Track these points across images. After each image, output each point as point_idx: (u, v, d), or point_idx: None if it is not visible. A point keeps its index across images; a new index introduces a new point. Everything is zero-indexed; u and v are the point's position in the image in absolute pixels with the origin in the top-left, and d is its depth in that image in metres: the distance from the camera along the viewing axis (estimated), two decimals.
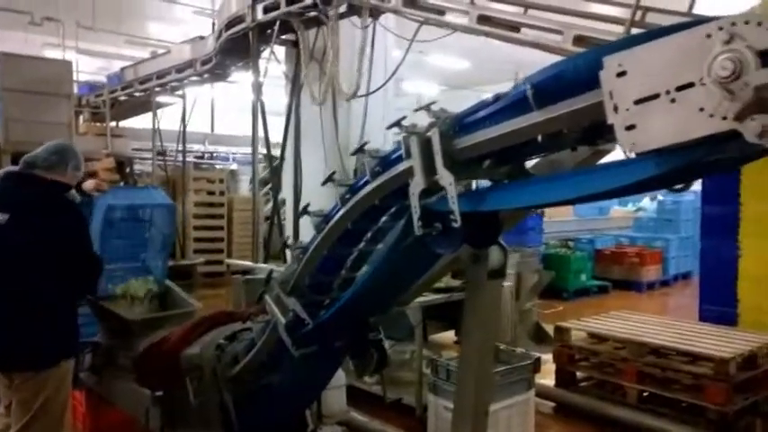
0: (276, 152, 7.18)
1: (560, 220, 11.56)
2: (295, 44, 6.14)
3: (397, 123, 2.10)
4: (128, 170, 10.92)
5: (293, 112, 6.42)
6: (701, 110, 1.28)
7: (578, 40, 3.55)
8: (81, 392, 3.95)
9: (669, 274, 11.57)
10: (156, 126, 10.86)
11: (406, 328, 5.18)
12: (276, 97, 7.94)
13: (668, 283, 11.55)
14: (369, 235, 2.48)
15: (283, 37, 6.49)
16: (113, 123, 11.42)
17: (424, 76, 18.70)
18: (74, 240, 2.99)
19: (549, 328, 5.97)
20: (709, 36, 1.27)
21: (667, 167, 1.38)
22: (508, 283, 6.44)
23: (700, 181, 6.32)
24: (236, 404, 2.98)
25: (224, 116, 17.72)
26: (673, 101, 1.33)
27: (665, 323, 5.23)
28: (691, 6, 3.29)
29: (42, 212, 2.94)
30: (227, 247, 11.89)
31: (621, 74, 1.42)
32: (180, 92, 10.42)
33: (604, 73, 1.45)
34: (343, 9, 5.43)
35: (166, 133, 11.55)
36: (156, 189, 4.67)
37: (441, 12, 4.53)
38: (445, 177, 1.85)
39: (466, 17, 4.23)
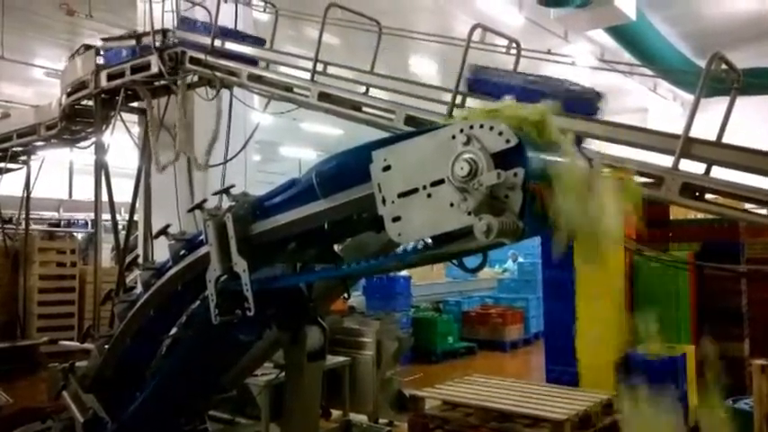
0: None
1: (431, 283, 11.81)
2: (144, 112, 5.97)
3: (198, 206, 2.05)
4: None
5: (143, 179, 6.17)
6: (451, 205, 1.36)
7: (409, 119, 3.76)
8: None
9: (530, 332, 12.12)
10: None
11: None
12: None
13: (530, 341, 12.07)
14: (184, 319, 2.35)
15: (134, 104, 6.29)
16: None
17: (301, 142, 18.92)
18: None
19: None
20: (453, 137, 1.36)
21: (424, 255, 1.46)
22: (369, 353, 6.42)
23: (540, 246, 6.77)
24: None
25: (84, 180, 16.66)
26: (429, 195, 1.40)
27: (514, 386, 5.38)
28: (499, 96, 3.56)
29: None
30: (77, 323, 10.88)
31: (387, 168, 1.48)
32: (23, 157, 9.65)
33: (373, 166, 1.50)
34: (192, 79, 5.38)
35: (12, 199, 10.59)
36: None
37: (288, 88, 4.62)
38: (239, 264, 1.82)
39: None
